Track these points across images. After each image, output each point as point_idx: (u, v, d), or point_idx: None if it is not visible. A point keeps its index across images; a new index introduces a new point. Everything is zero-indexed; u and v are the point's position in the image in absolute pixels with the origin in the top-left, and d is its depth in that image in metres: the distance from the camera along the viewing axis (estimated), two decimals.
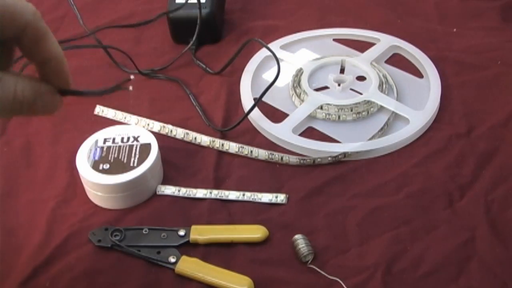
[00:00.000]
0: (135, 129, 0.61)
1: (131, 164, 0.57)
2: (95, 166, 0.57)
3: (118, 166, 0.57)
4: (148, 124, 0.65)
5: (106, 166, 0.57)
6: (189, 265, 0.51)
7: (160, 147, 0.59)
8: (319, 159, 0.60)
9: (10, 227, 0.56)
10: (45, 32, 0.36)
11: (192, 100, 0.69)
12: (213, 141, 0.63)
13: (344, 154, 0.60)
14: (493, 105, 0.66)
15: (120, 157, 0.58)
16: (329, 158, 0.60)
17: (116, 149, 0.58)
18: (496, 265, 0.51)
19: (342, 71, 0.72)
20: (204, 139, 0.63)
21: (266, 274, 0.51)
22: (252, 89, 0.70)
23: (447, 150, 0.61)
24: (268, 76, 0.72)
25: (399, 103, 0.66)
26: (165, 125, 0.65)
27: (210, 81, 0.72)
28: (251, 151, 0.62)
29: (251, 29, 0.80)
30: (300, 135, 0.64)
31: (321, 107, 0.65)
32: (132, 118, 0.66)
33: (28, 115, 0.37)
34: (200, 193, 0.58)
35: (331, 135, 0.64)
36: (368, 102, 0.65)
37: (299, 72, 0.71)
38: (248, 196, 0.58)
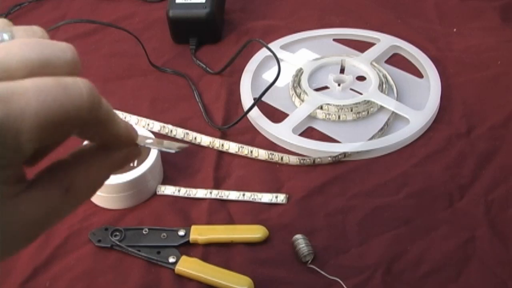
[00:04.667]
0: (135, 129, 0.61)
1: (131, 164, 0.57)
2: None
3: None
4: (148, 124, 0.65)
5: None
6: (189, 265, 0.51)
7: None
8: (319, 159, 0.60)
9: None
10: (106, 119, 0.28)
11: (196, 96, 0.69)
12: (213, 141, 0.63)
13: (344, 154, 0.60)
14: (493, 105, 0.66)
15: None
16: (329, 158, 0.60)
17: None
18: (496, 265, 0.51)
19: (342, 71, 0.72)
20: (204, 139, 0.63)
21: (266, 274, 0.51)
22: (252, 89, 0.69)
23: (447, 150, 0.61)
24: (268, 76, 0.72)
25: (399, 103, 0.66)
26: (165, 125, 0.65)
27: (210, 81, 0.72)
28: (251, 151, 0.62)
29: (251, 29, 0.80)
30: (300, 135, 0.64)
31: (321, 107, 0.65)
32: (132, 118, 0.66)
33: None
34: (200, 193, 0.58)
35: (331, 135, 0.64)
36: (368, 102, 0.65)
37: (299, 72, 0.71)
38: (248, 196, 0.58)
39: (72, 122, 0.26)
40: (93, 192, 0.31)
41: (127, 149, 0.31)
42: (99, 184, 0.31)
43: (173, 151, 0.32)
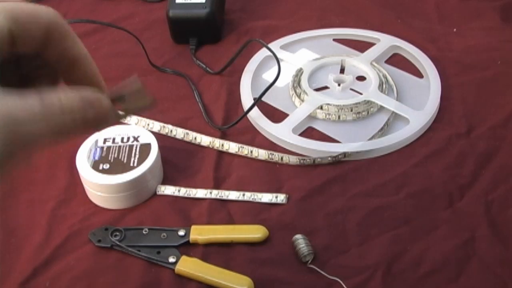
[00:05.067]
0: (135, 129, 0.61)
1: (131, 164, 0.57)
2: (95, 166, 0.57)
3: (118, 166, 0.57)
4: (148, 124, 0.65)
5: (106, 166, 0.57)
6: (189, 265, 0.51)
7: (160, 147, 0.59)
8: (319, 159, 0.60)
9: (10, 227, 0.56)
10: (68, 30, 0.33)
11: (196, 96, 0.69)
12: (213, 141, 0.63)
13: (344, 154, 0.60)
14: (493, 105, 0.66)
15: (120, 157, 0.58)
16: (329, 158, 0.60)
17: (116, 149, 0.58)
18: (496, 265, 0.51)
19: (342, 71, 0.72)
20: (204, 139, 0.63)
21: (266, 274, 0.51)
22: (252, 89, 0.70)
23: (447, 150, 0.61)
24: (268, 76, 0.72)
25: (399, 103, 0.66)
26: (165, 125, 0.65)
27: (210, 81, 0.72)
28: (251, 151, 0.62)
29: (251, 29, 0.80)
30: (300, 135, 0.64)
31: (321, 107, 0.65)
32: (132, 118, 0.66)
33: (82, 133, 0.32)
34: (200, 193, 0.58)
35: (331, 135, 0.64)
36: (368, 102, 0.65)
37: (299, 72, 0.71)
38: (248, 196, 0.58)
39: (43, 19, 0.31)
40: (68, 112, 0.31)
41: (96, 90, 0.33)
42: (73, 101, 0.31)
43: (146, 104, 0.35)
